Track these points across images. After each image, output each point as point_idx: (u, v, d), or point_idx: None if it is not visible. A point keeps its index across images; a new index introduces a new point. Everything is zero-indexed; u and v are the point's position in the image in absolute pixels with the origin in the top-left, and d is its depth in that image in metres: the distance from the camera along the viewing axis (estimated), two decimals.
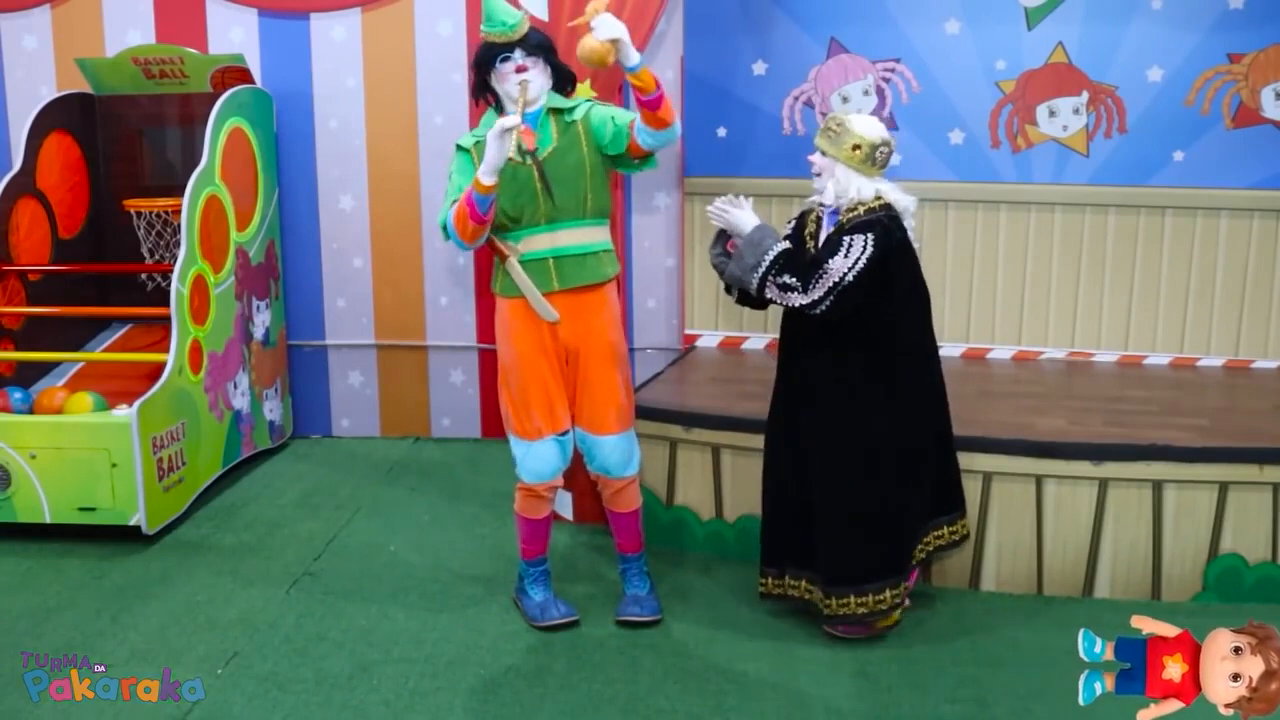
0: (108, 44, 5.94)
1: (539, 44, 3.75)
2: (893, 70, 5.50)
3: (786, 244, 3.71)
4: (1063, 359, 5.57)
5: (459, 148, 3.84)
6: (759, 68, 5.61)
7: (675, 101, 5.64)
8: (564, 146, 3.77)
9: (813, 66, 5.56)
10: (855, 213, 3.66)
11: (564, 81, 3.86)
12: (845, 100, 5.55)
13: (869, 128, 3.68)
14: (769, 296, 3.69)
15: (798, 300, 3.62)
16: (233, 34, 5.92)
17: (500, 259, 3.84)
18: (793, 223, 3.92)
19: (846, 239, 3.61)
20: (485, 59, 3.74)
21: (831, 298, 3.58)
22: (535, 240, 3.79)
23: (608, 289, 3.92)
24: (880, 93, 5.54)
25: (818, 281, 3.59)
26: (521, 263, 3.79)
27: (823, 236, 3.76)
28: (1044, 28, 5.35)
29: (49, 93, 5.82)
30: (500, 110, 3.80)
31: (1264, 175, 5.29)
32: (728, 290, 3.92)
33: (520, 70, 3.70)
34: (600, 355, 3.88)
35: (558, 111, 3.81)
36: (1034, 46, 5.38)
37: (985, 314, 5.63)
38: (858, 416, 3.73)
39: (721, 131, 5.68)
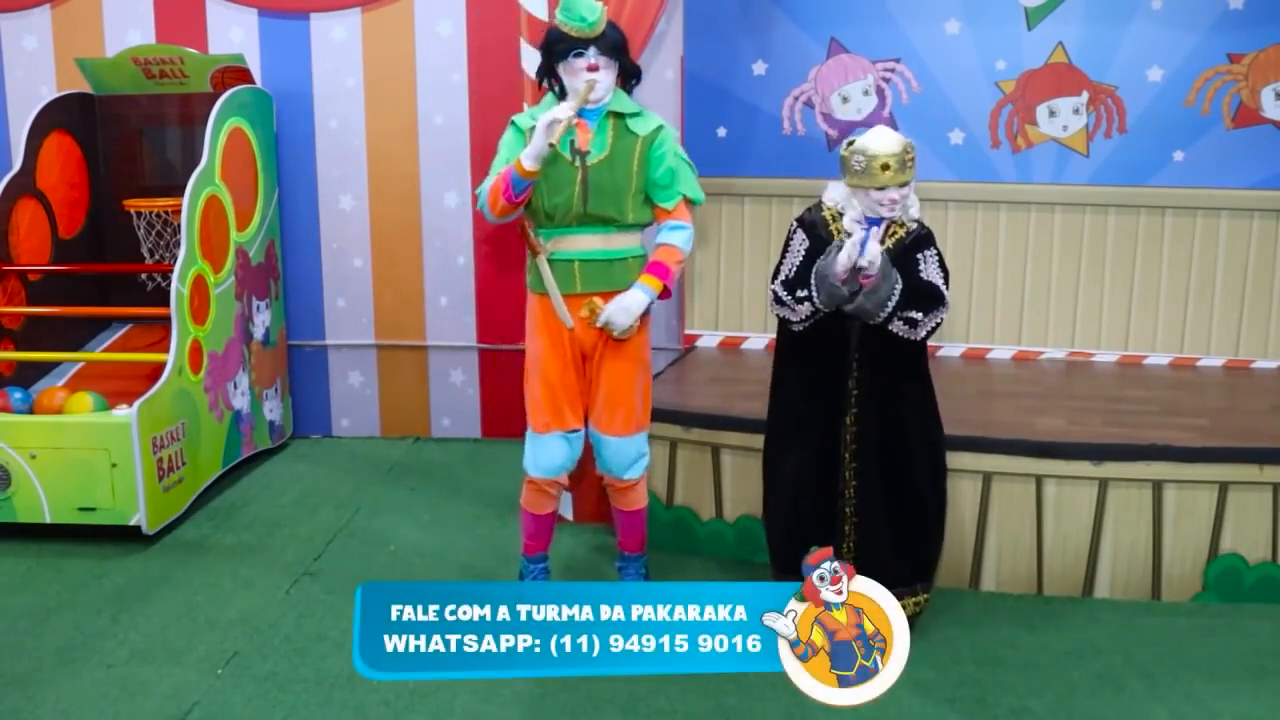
0: (108, 44, 5.94)
1: (614, 44, 3.71)
2: (893, 70, 5.50)
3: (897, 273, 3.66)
4: (1063, 359, 5.56)
5: (514, 124, 3.82)
6: (759, 68, 5.61)
7: (675, 102, 5.65)
8: (615, 156, 3.74)
9: (813, 66, 5.56)
10: (906, 226, 3.70)
11: (629, 77, 3.84)
12: (845, 100, 5.55)
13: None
14: (891, 329, 3.64)
15: (920, 334, 3.67)
16: (233, 34, 5.92)
17: (531, 254, 3.85)
18: (805, 241, 3.75)
19: (920, 258, 3.67)
20: (557, 49, 3.71)
21: (939, 322, 3.70)
22: (564, 241, 3.80)
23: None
24: (880, 93, 5.54)
25: (936, 313, 3.66)
26: (550, 262, 3.80)
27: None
28: (1044, 28, 5.35)
29: (49, 93, 5.82)
30: (562, 96, 3.77)
31: (1264, 175, 5.29)
32: (800, 321, 3.73)
33: (591, 69, 3.66)
34: (616, 358, 3.88)
35: (618, 115, 3.77)
36: (1034, 46, 5.37)
37: (985, 314, 5.63)
38: (927, 418, 3.82)
39: (721, 131, 5.68)
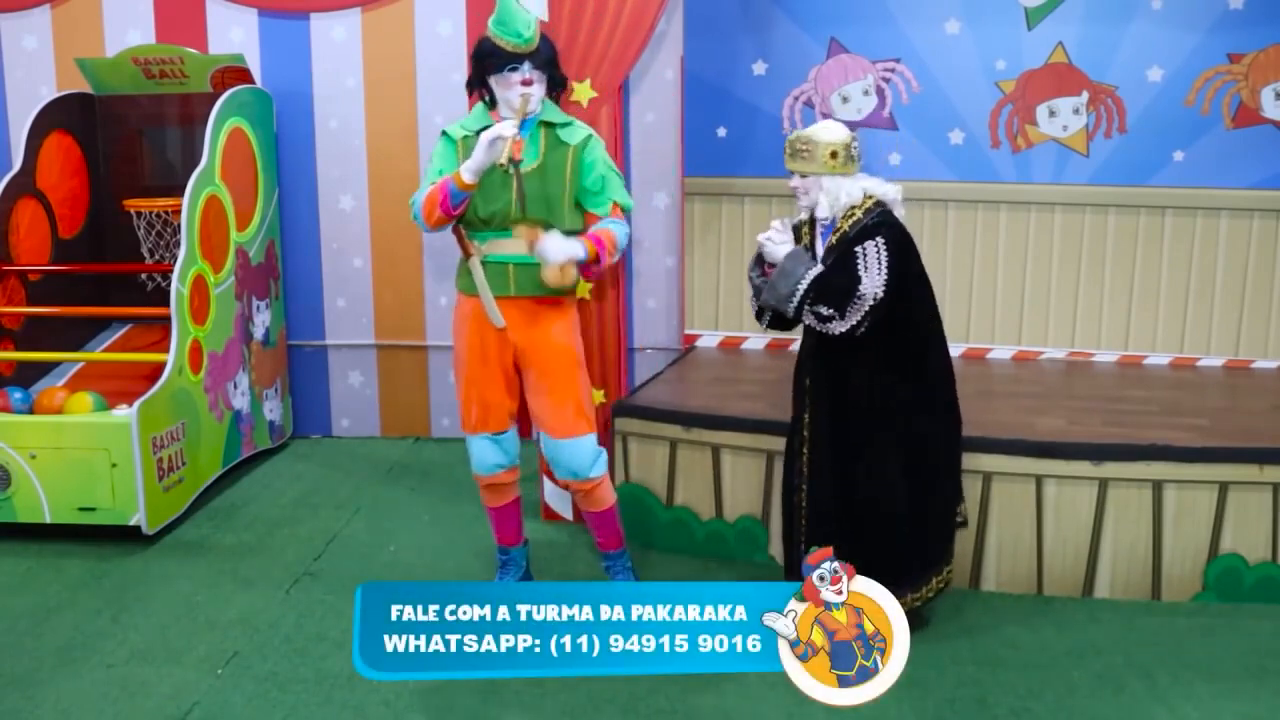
0: (108, 44, 5.94)
1: (548, 59, 3.77)
2: (893, 70, 5.50)
3: (818, 268, 3.65)
4: (1063, 359, 5.57)
5: (446, 135, 3.86)
6: (759, 68, 5.61)
7: (675, 102, 5.66)
8: (548, 165, 3.79)
9: (813, 66, 5.56)
10: (853, 218, 3.66)
11: (555, 87, 3.88)
12: (845, 100, 5.55)
13: (834, 131, 3.69)
14: (807, 323, 3.68)
15: (837, 329, 3.62)
16: (233, 34, 5.92)
17: (464, 256, 3.88)
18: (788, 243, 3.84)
19: (859, 250, 3.61)
20: (491, 62, 3.74)
21: (868, 319, 3.60)
22: (499, 244, 3.83)
23: (565, 299, 3.95)
24: (880, 93, 5.54)
25: (853, 308, 3.60)
26: (483, 264, 3.82)
27: (820, 247, 3.74)
28: (1044, 28, 5.35)
29: (49, 93, 5.82)
30: (492, 106, 3.81)
31: (1264, 175, 5.29)
32: (758, 316, 3.89)
33: (526, 84, 3.72)
34: (556, 362, 3.92)
35: (548, 124, 3.81)
36: (1034, 46, 5.38)
37: (985, 314, 5.63)
38: (899, 415, 3.73)
39: (721, 131, 5.68)
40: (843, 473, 3.76)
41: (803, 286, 3.62)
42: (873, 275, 3.60)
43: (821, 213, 3.70)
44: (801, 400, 3.85)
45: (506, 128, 3.59)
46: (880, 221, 3.65)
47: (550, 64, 3.79)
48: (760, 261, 3.83)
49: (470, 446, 4.06)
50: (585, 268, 3.79)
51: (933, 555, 3.88)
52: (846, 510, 3.76)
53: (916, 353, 3.77)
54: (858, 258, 3.61)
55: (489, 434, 4.00)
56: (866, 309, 3.59)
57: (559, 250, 3.67)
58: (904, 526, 3.77)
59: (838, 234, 3.69)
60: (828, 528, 3.74)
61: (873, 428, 3.73)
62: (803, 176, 3.69)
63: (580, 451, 3.97)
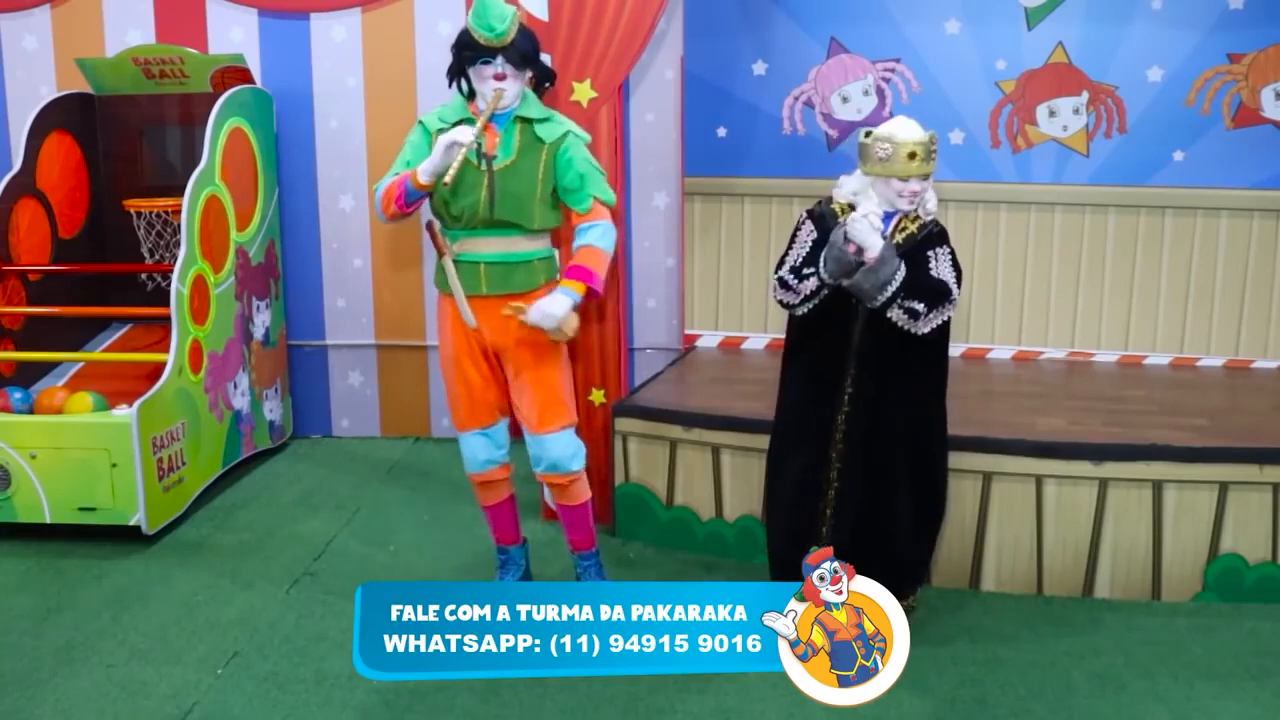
0: (108, 44, 5.94)
1: (523, 54, 3.68)
2: (893, 70, 5.50)
3: (902, 263, 3.57)
4: (1063, 359, 5.57)
5: (422, 125, 3.78)
6: (759, 68, 5.61)
7: (675, 102, 5.66)
8: (520, 164, 3.73)
9: (813, 66, 5.56)
10: (918, 220, 3.64)
11: (543, 80, 3.84)
12: (845, 100, 5.55)
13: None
14: (890, 316, 3.58)
15: (921, 328, 3.59)
16: (233, 34, 5.92)
17: (439, 254, 3.86)
18: (814, 232, 3.71)
19: (931, 254, 3.62)
20: (467, 54, 3.70)
21: (945, 319, 3.64)
22: (471, 243, 3.80)
23: (538, 292, 3.83)
24: (880, 93, 5.54)
25: (943, 308, 3.59)
26: (456, 263, 3.81)
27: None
28: (1044, 28, 5.36)
29: (49, 93, 5.82)
30: (471, 97, 3.78)
31: (1264, 175, 5.29)
32: (793, 305, 3.71)
33: (498, 78, 3.66)
34: (534, 357, 3.88)
35: (525, 120, 3.77)
36: (1034, 46, 5.38)
37: (985, 314, 5.63)
38: (938, 432, 3.80)
39: (721, 131, 5.68)
40: (873, 485, 3.74)
41: (898, 279, 3.53)
42: (952, 280, 3.63)
43: (922, 207, 3.64)
44: (837, 400, 3.73)
45: (464, 133, 3.54)
46: (943, 230, 3.68)
47: (527, 60, 3.70)
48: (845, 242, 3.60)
49: (462, 445, 4.05)
50: (585, 299, 3.77)
51: (928, 558, 3.97)
52: (867, 521, 3.74)
53: (941, 373, 3.81)
54: (930, 261, 3.61)
55: (480, 429, 4.00)
56: (951, 313, 3.62)
57: (550, 317, 3.69)
58: (913, 546, 3.82)
59: (903, 234, 3.63)
60: (850, 537, 3.72)
61: (911, 444, 3.74)
62: (923, 178, 3.60)
63: (564, 445, 3.95)
